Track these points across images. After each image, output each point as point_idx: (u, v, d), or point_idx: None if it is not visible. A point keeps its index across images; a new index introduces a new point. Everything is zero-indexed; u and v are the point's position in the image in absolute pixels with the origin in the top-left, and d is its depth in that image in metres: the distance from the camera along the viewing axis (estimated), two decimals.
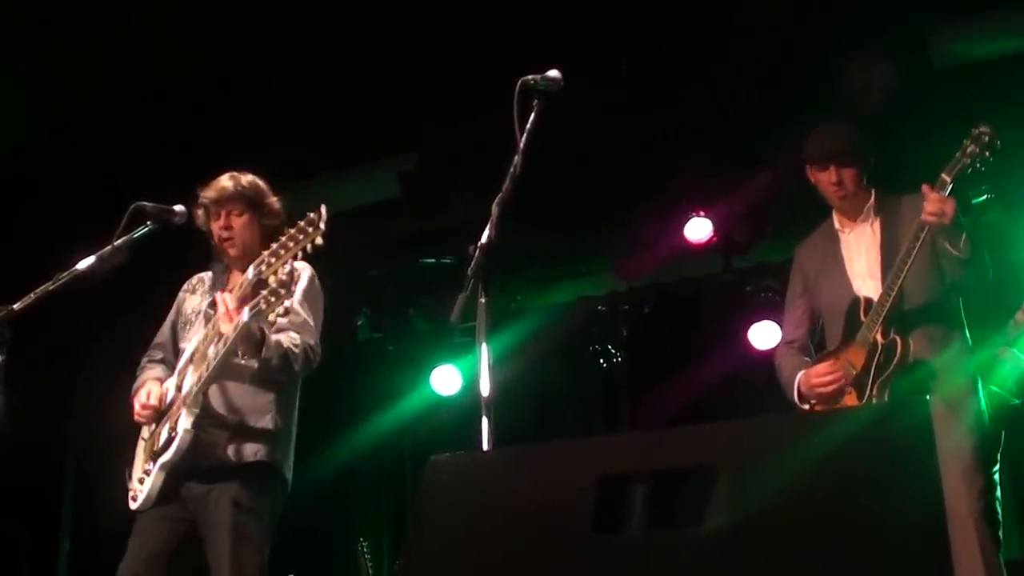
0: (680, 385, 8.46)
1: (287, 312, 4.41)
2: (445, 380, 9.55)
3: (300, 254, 4.48)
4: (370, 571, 7.99)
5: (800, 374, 5.23)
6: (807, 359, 5.37)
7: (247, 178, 5.09)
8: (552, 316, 9.51)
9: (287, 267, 4.47)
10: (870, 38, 6.95)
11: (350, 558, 8.20)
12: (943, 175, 4.85)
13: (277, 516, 4.86)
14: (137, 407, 4.89)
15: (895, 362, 4.92)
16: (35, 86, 7.55)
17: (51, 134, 7.92)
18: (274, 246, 4.51)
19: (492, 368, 3.79)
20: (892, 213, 5.20)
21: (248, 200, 5.03)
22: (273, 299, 4.34)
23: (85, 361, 8.53)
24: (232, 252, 5.02)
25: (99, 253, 4.72)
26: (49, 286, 4.61)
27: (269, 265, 4.50)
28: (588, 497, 2.63)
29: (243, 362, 4.71)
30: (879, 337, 4.97)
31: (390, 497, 10.10)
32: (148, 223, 4.83)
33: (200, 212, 5.04)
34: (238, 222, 5.01)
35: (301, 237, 4.41)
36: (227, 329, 4.52)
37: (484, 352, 3.80)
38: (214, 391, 4.76)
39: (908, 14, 6.92)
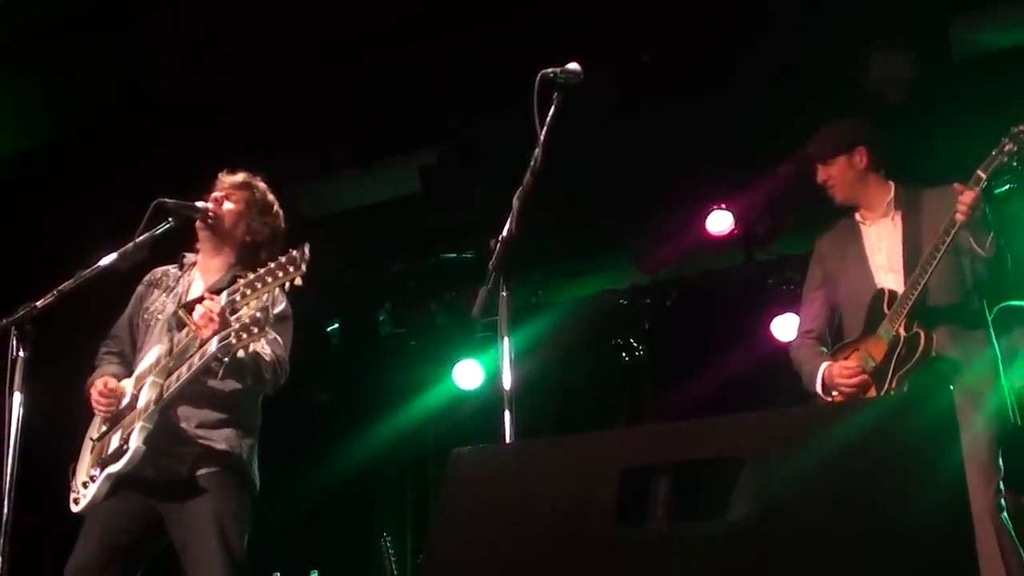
0: (703, 378, 8.47)
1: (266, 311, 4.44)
2: (467, 374, 9.58)
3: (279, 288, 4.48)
4: (393, 565, 8.01)
5: (825, 366, 5.22)
6: (824, 349, 5.36)
7: (262, 184, 5.13)
8: (574, 310, 9.52)
9: (263, 302, 4.47)
10: (891, 29, 6.92)
11: (373, 552, 8.22)
12: (979, 171, 4.83)
13: (250, 518, 4.83)
14: (95, 395, 4.85)
15: (918, 355, 4.92)
16: (55, 86, 7.57)
17: (73, 133, 7.94)
18: (251, 276, 4.45)
19: (514, 362, 3.79)
20: (914, 207, 5.20)
21: (250, 197, 5.04)
22: (244, 335, 4.33)
23: None
24: (207, 229, 4.99)
25: (121, 250, 4.72)
26: (72, 284, 4.62)
27: (244, 296, 4.44)
28: (612, 490, 2.63)
29: (216, 382, 4.71)
30: (902, 330, 4.96)
31: (413, 491, 10.13)
32: (169, 219, 4.82)
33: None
34: (230, 208, 5.00)
35: (281, 274, 4.36)
36: (207, 331, 4.47)
37: (506, 346, 3.80)
38: (178, 409, 4.72)
39: (929, 4, 6.89)
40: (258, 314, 4.36)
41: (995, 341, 5.08)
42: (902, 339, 4.96)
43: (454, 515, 2.88)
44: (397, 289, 9.68)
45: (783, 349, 8.44)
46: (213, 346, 4.40)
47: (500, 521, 2.78)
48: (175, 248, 5.10)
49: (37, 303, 4.51)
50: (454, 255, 9.15)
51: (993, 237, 4.86)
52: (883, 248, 5.23)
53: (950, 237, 4.84)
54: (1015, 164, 4.87)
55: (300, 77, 7.41)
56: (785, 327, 8.52)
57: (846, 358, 5.18)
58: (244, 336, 4.34)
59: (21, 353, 4.42)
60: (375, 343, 9.92)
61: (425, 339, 9.95)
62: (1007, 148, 4.83)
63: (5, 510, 4.25)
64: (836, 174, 5.34)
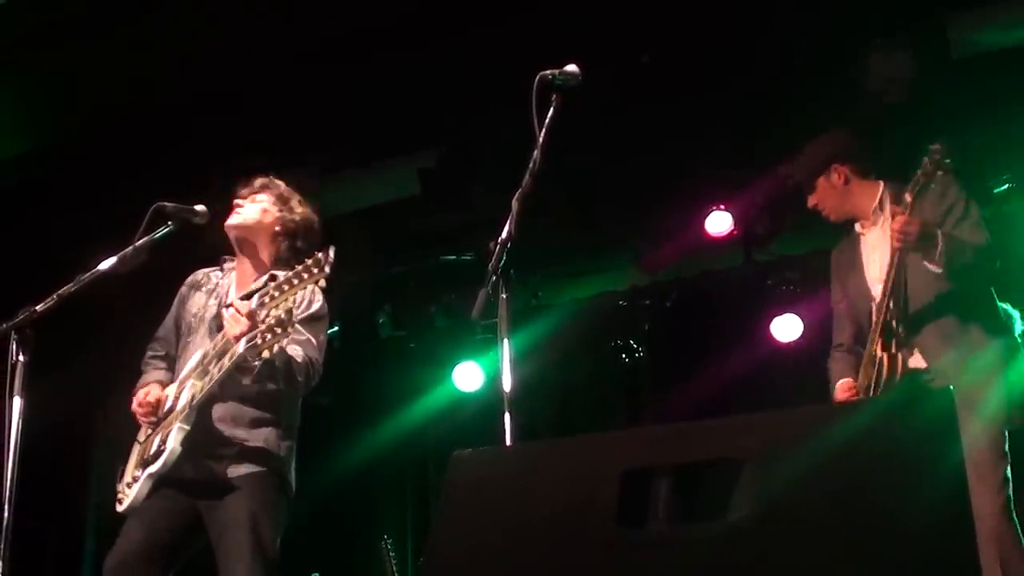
0: (702, 379, 8.46)
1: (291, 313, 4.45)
2: (467, 376, 9.57)
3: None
4: (394, 567, 8.00)
5: (840, 383, 5.26)
6: (853, 358, 5.36)
7: (281, 182, 5.15)
8: (573, 311, 9.51)
9: (289, 303, 4.47)
10: (890, 28, 6.93)
11: (374, 554, 8.21)
12: (905, 195, 4.91)
13: (285, 520, 4.86)
14: (134, 405, 4.88)
15: (885, 379, 4.94)
16: (55, 88, 7.57)
17: (73, 136, 7.94)
18: (280, 279, 4.45)
19: (514, 364, 3.79)
20: (901, 207, 5.18)
21: (274, 194, 5.07)
22: (269, 336, 4.34)
23: (110, 361, 8.57)
24: (234, 222, 5.00)
25: (120, 254, 4.72)
26: (71, 288, 4.62)
27: (273, 298, 4.45)
28: (612, 491, 2.63)
29: (245, 381, 4.72)
30: (878, 350, 4.99)
31: (413, 494, 10.12)
32: (169, 223, 4.82)
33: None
34: (255, 205, 5.03)
35: (306, 276, 4.36)
36: (235, 331, 4.50)
37: (506, 348, 3.80)
38: (216, 409, 4.75)
39: (927, 4, 6.89)
40: (282, 315, 4.37)
41: (999, 334, 5.05)
42: (877, 360, 4.99)
43: (454, 517, 2.87)
44: (396, 291, 9.68)
45: (783, 350, 8.51)
46: (240, 347, 4.44)
47: (500, 523, 2.78)
48: (174, 251, 5.10)
49: (37, 307, 4.51)
50: (454, 257, 9.16)
51: (942, 248, 4.85)
52: (876, 259, 5.23)
53: (896, 262, 4.93)
54: (932, 184, 4.94)
55: (300, 79, 7.41)
56: (784, 327, 8.53)
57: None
58: (269, 337, 4.35)
59: (21, 357, 4.42)
60: (375, 346, 9.92)
61: (425, 341, 9.94)
62: (926, 168, 4.89)
63: (5, 515, 4.25)
64: (821, 197, 5.36)
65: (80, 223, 7.53)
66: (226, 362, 4.53)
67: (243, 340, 4.42)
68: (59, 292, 4.59)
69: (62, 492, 8.45)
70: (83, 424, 8.76)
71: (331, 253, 4.35)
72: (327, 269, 4.34)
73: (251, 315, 4.45)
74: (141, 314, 5.31)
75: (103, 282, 4.70)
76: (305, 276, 4.37)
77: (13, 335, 4.44)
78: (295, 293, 4.44)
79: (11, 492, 4.28)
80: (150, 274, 5.12)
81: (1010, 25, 7.04)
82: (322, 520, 9.39)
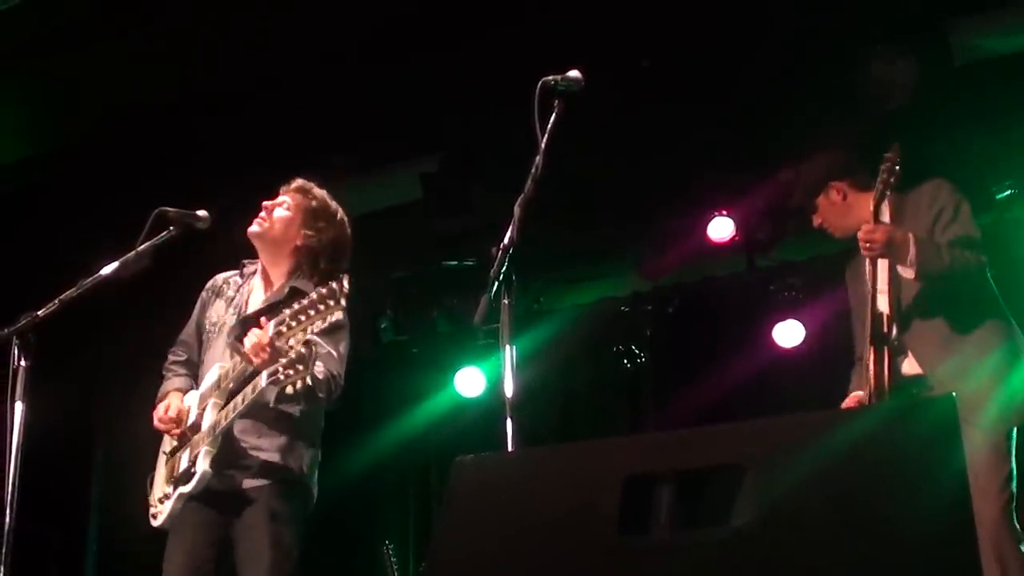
0: (705, 385, 8.44)
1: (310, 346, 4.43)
2: (469, 382, 9.55)
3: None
4: (396, 573, 7.99)
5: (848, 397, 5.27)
6: None
7: (320, 192, 5.12)
8: (575, 317, 9.50)
9: (305, 335, 4.41)
10: (892, 34, 6.93)
11: (376, 560, 8.20)
12: (869, 205, 5.03)
13: (305, 528, 4.87)
14: (156, 421, 4.90)
15: (874, 387, 4.94)
16: (58, 93, 7.58)
17: (76, 141, 7.95)
18: (296, 307, 4.36)
19: (516, 369, 3.78)
20: (899, 215, 5.19)
21: (303, 202, 5.03)
22: (291, 372, 4.31)
23: (112, 366, 8.57)
24: (255, 231, 4.97)
25: (122, 259, 4.72)
26: (73, 292, 4.62)
27: (289, 328, 4.37)
28: (614, 498, 2.63)
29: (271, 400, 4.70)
30: (870, 356, 4.99)
31: (415, 499, 10.10)
32: (171, 228, 4.83)
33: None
34: (280, 216, 4.99)
35: (322, 307, 4.28)
36: (255, 361, 4.46)
37: (508, 353, 3.79)
38: (239, 423, 4.74)
39: (930, 9, 6.89)
40: (303, 350, 4.33)
41: (1003, 337, 5.03)
42: (870, 367, 5.01)
43: (456, 523, 2.87)
44: (398, 296, 9.66)
45: (785, 355, 8.49)
46: (263, 381, 4.42)
47: (502, 529, 2.78)
48: (175, 256, 5.10)
49: (39, 312, 4.51)
50: (456, 262, 9.15)
51: (913, 254, 4.87)
52: (876, 266, 5.23)
53: (873, 276, 4.98)
54: (888, 192, 5.05)
55: (302, 83, 7.41)
56: (787, 333, 8.53)
57: None
58: (291, 373, 4.32)
59: (23, 362, 4.42)
60: (376, 350, 9.90)
61: (427, 346, 9.93)
62: (883, 176, 4.98)
63: (7, 519, 4.26)
64: (824, 216, 5.40)
65: (82, 227, 7.54)
66: (249, 392, 4.53)
67: (265, 373, 4.40)
68: (61, 297, 4.59)
69: (64, 497, 8.46)
70: (85, 429, 8.77)
71: (345, 284, 4.29)
72: (343, 302, 4.27)
73: (271, 343, 4.41)
74: (136, 318, 5.31)
75: (105, 287, 4.70)
76: (321, 307, 4.28)
77: (15, 340, 4.44)
78: (312, 324, 4.36)
79: (13, 497, 4.29)
80: (145, 278, 5.12)
81: (1012, 31, 7.04)
82: (324, 525, 9.36)
